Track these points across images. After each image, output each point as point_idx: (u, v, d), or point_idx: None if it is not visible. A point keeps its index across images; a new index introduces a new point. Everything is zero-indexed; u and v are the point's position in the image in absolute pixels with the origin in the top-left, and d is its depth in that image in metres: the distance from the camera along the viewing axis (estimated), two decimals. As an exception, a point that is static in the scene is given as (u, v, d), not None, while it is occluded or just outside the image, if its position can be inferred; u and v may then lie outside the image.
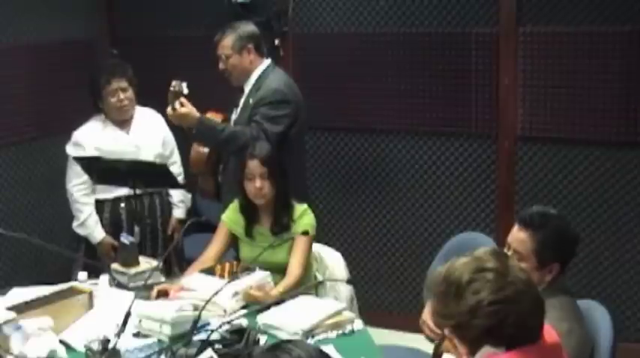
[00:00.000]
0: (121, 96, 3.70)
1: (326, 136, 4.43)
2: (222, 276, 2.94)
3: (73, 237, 3.87)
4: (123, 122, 3.79)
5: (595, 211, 3.86)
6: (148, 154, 3.76)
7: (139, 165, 3.57)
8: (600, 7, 3.68)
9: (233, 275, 2.87)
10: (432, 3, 4.04)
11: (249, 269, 2.97)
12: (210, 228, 3.41)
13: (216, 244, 3.24)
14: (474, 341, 1.81)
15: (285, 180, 3.16)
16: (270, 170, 3.10)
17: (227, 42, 3.61)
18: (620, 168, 3.78)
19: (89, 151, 3.69)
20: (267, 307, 2.76)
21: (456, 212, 4.18)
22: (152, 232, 3.83)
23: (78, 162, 3.67)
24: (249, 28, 3.67)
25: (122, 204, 3.77)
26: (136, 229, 3.65)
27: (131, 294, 2.68)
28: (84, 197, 3.76)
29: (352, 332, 2.71)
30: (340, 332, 2.69)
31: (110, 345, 2.35)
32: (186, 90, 3.41)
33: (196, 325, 2.44)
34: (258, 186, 3.10)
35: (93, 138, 3.74)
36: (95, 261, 3.60)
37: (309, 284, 3.14)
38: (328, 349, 2.41)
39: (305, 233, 3.10)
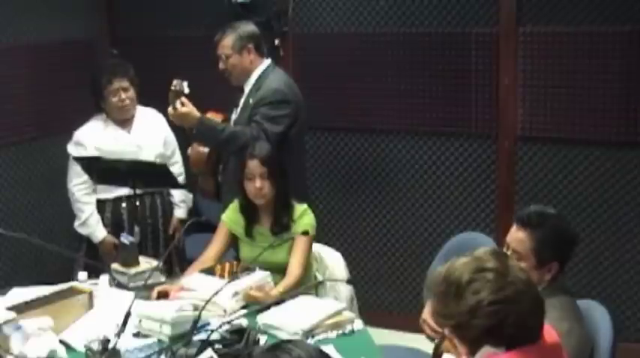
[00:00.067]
0: (123, 95, 3.71)
1: (326, 136, 4.43)
2: (222, 276, 2.94)
3: (75, 236, 3.87)
4: (124, 122, 3.79)
5: (595, 211, 3.86)
6: (149, 154, 3.76)
7: (139, 165, 3.58)
8: (600, 7, 3.68)
9: (233, 275, 2.87)
10: (432, 3, 4.04)
11: (249, 269, 2.97)
12: (211, 228, 3.41)
13: (216, 244, 3.24)
14: (474, 341, 1.81)
15: (285, 180, 3.16)
16: (270, 170, 3.10)
17: (227, 42, 3.61)
18: (620, 168, 3.78)
19: (90, 151, 3.70)
20: (267, 307, 2.76)
21: (456, 212, 4.18)
22: (153, 232, 3.84)
23: (78, 162, 3.68)
24: (249, 28, 3.67)
25: (123, 204, 3.77)
26: (136, 229, 3.65)
27: (131, 294, 2.68)
28: (85, 196, 3.77)
29: (352, 332, 2.71)
30: (340, 332, 2.69)
31: (110, 345, 2.35)
32: (187, 90, 3.41)
33: (196, 325, 2.44)
34: (258, 186, 3.10)
35: (94, 137, 3.74)
36: (96, 260, 3.59)
37: (309, 284, 3.14)
38: (328, 349, 2.41)
39: (305, 233, 3.10)
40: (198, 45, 4.14)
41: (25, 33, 4.29)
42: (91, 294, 2.82)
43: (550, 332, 1.91)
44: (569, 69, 3.78)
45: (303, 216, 3.18)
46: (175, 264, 3.84)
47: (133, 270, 3.07)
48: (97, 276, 3.01)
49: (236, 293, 2.81)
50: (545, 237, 2.41)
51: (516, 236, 2.46)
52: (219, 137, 3.50)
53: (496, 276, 1.80)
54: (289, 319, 2.68)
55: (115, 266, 3.14)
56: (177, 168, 3.96)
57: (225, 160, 3.73)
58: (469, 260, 1.85)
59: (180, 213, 3.95)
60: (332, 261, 3.35)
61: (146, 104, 3.87)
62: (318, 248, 3.36)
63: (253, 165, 3.10)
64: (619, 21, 3.65)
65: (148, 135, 3.82)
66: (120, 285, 3.05)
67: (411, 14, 4.10)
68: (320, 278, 3.29)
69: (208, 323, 2.63)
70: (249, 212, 3.21)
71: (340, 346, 2.56)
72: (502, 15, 3.89)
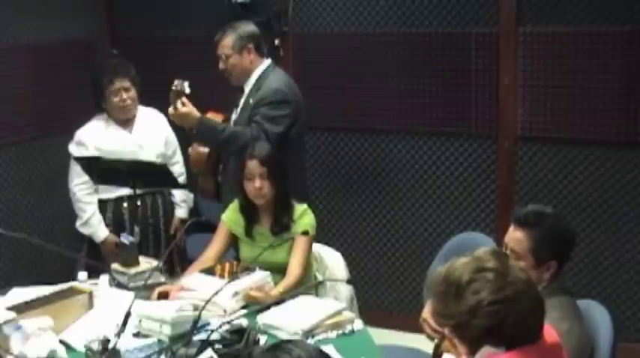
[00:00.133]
0: (124, 95, 3.71)
1: (326, 136, 4.43)
2: (222, 276, 2.94)
3: (76, 236, 3.87)
4: (126, 121, 3.79)
5: (595, 211, 3.87)
6: (150, 154, 3.76)
7: (139, 165, 3.58)
8: (600, 7, 3.68)
9: (233, 275, 2.87)
10: (432, 3, 4.04)
11: (249, 269, 2.97)
12: (211, 228, 3.41)
13: (216, 244, 3.24)
14: (474, 341, 1.81)
15: (285, 180, 3.16)
16: (270, 170, 3.10)
17: (227, 42, 3.61)
18: (620, 168, 3.78)
19: (91, 151, 3.70)
20: (267, 307, 2.75)
21: (456, 212, 4.18)
22: (155, 232, 3.84)
23: (78, 162, 3.68)
24: (249, 28, 3.67)
25: (125, 204, 3.77)
26: (136, 229, 3.66)
27: (131, 294, 2.68)
28: (87, 196, 3.77)
29: (352, 332, 2.71)
30: (340, 332, 2.69)
31: (110, 345, 2.35)
32: (188, 90, 3.41)
33: (196, 325, 2.44)
34: (257, 186, 3.10)
35: (96, 137, 3.75)
36: (98, 260, 3.59)
37: (309, 284, 3.14)
38: (328, 349, 2.41)
39: (305, 233, 3.10)
40: (198, 45, 4.14)
41: (25, 33, 4.29)
42: (91, 294, 2.82)
43: (550, 332, 1.91)
44: (569, 69, 3.78)
45: (303, 216, 3.18)
46: (177, 264, 3.84)
47: (133, 270, 3.07)
48: (97, 276, 3.01)
49: (236, 293, 2.81)
50: (543, 236, 2.41)
51: (514, 236, 2.46)
52: (220, 137, 3.50)
53: (496, 276, 1.80)
54: (289, 319, 2.68)
55: (115, 266, 3.14)
56: (178, 168, 3.96)
57: (225, 160, 3.73)
58: (469, 260, 1.85)
59: (181, 212, 3.95)
60: (332, 261, 3.35)
61: (146, 104, 3.87)
62: (318, 248, 3.36)
63: (253, 165, 3.10)
64: (619, 21, 3.65)
65: (149, 135, 3.83)
66: (120, 285, 3.05)
67: (411, 14, 4.10)
68: (320, 278, 3.29)
69: (208, 323, 2.63)
70: (249, 212, 3.21)
71: (340, 346, 2.56)
72: (502, 15, 3.89)
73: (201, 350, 2.36)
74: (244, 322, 2.63)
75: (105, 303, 2.80)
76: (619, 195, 3.81)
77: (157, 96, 3.63)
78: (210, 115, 3.67)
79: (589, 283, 3.91)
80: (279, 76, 3.67)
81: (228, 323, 2.55)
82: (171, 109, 3.46)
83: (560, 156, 3.90)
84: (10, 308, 2.61)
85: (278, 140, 3.46)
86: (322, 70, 4.31)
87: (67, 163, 3.83)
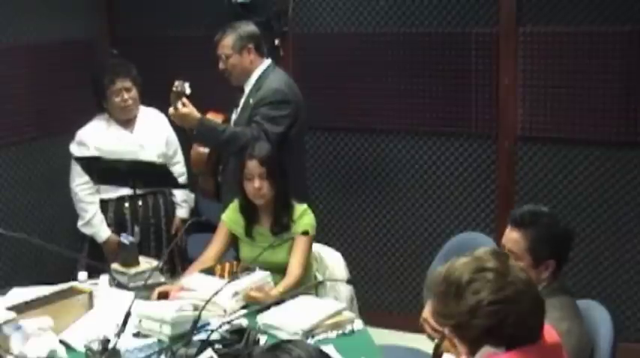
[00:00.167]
0: (125, 96, 3.71)
1: (326, 136, 4.43)
2: (222, 276, 2.94)
3: (76, 236, 3.87)
4: (127, 121, 3.80)
5: (595, 211, 3.87)
6: (151, 154, 3.77)
7: (139, 165, 3.58)
8: (600, 7, 3.68)
9: (233, 275, 2.87)
10: (432, 3, 4.04)
11: (249, 269, 2.97)
12: (211, 228, 3.41)
13: (216, 244, 3.24)
14: (474, 341, 1.81)
15: (285, 180, 3.16)
16: (269, 170, 3.10)
17: (227, 41, 3.61)
18: (620, 168, 3.78)
19: (93, 151, 3.70)
20: (267, 307, 2.76)
21: (456, 212, 4.18)
22: (156, 232, 3.84)
23: (78, 162, 3.68)
24: (249, 28, 3.67)
25: (126, 204, 3.78)
26: (136, 229, 3.66)
27: (131, 294, 2.68)
28: (88, 196, 3.77)
29: (352, 332, 2.71)
30: (340, 332, 2.69)
31: (110, 345, 2.35)
32: (188, 91, 3.41)
33: (196, 325, 2.44)
34: (256, 186, 3.10)
35: (97, 137, 3.75)
36: (100, 260, 3.58)
37: (309, 284, 3.14)
38: (328, 349, 2.41)
39: (305, 233, 3.10)
40: (198, 45, 4.14)
41: (25, 33, 4.29)
42: (91, 294, 2.82)
43: (550, 332, 1.91)
44: (569, 69, 3.78)
45: (303, 216, 3.18)
46: (178, 264, 3.85)
47: (133, 270, 3.07)
48: (97, 276, 3.01)
49: (236, 293, 2.81)
50: (539, 235, 2.41)
51: (510, 236, 2.46)
52: (220, 138, 3.50)
53: (496, 276, 1.80)
54: (289, 319, 2.68)
55: (115, 266, 3.14)
56: (179, 168, 3.97)
57: (225, 160, 3.73)
58: (469, 260, 1.85)
59: (182, 212, 3.96)
60: (332, 261, 3.35)
61: (147, 104, 3.87)
62: (318, 248, 3.36)
63: (252, 166, 3.10)
64: (619, 21, 3.65)
65: (150, 135, 3.83)
66: (120, 285, 3.05)
67: (411, 14, 4.10)
68: (320, 278, 3.29)
69: (208, 323, 2.63)
70: (249, 212, 3.21)
71: (340, 346, 2.56)
72: (502, 15, 3.89)
73: (201, 350, 2.36)
74: (244, 322, 2.63)
75: (105, 303, 2.80)
76: (619, 195, 3.81)
77: (157, 97, 3.63)
78: (211, 116, 3.67)
79: (589, 283, 3.91)
80: (280, 76, 3.67)
81: (228, 323, 2.55)
82: (171, 110, 3.46)
83: (560, 156, 3.90)
84: (10, 308, 2.61)
85: (278, 140, 3.46)
86: (322, 70, 4.31)
87: (68, 163, 3.83)
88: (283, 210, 3.16)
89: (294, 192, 3.25)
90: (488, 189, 4.10)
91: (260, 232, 3.21)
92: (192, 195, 4.05)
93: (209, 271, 3.01)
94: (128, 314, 2.39)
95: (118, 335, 2.35)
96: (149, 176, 3.59)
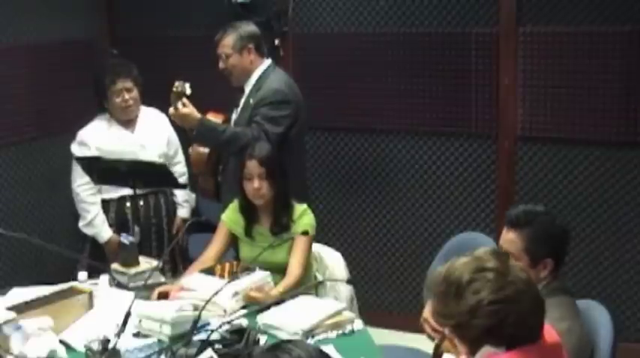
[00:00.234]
0: (126, 96, 3.71)
1: (326, 136, 4.43)
2: (222, 276, 2.94)
3: (76, 236, 3.88)
4: (128, 122, 3.80)
5: (595, 211, 3.86)
6: (152, 154, 3.77)
7: (139, 165, 3.58)
8: (600, 7, 3.68)
9: (233, 275, 2.87)
10: (432, 3, 4.04)
11: (249, 269, 2.97)
12: (211, 228, 3.41)
13: (216, 244, 3.24)
14: (474, 340, 1.81)
15: (285, 180, 3.16)
16: (269, 170, 3.10)
17: (228, 41, 3.61)
18: (620, 168, 3.78)
19: (94, 151, 3.71)
20: (267, 307, 2.76)
21: (456, 212, 4.18)
22: (158, 232, 3.85)
23: (78, 162, 3.68)
24: (250, 28, 3.67)
25: (128, 204, 3.78)
26: (136, 229, 3.66)
27: (131, 294, 2.68)
28: (90, 197, 3.77)
29: (352, 332, 2.70)
30: (340, 332, 2.69)
31: (110, 345, 2.35)
32: (189, 91, 3.41)
33: (196, 325, 2.44)
34: (256, 186, 3.10)
35: (98, 137, 3.75)
36: (101, 260, 3.58)
37: (309, 284, 3.14)
38: (328, 349, 2.41)
39: (305, 233, 3.10)
40: (198, 45, 4.14)
41: (25, 33, 4.29)
42: (91, 294, 2.82)
43: (550, 332, 1.91)
44: (569, 69, 3.78)
45: (303, 216, 3.18)
46: (179, 264, 3.85)
47: (133, 270, 3.08)
48: (97, 276, 3.01)
49: (236, 293, 2.81)
50: (535, 235, 2.42)
51: (507, 237, 2.47)
52: (220, 138, 3.50)
53: (496, 276, 1.80)
54: (289, 319, 2.67)
55: (115, 266, 3.14)
56: (180, 168, 3.98)
57: (225, 160, 3.73)
58: (469, 260, 1.85)
59: (183, 212, 3.96)
60: (332, 261, 3.35)
61: (147, 104, 3.87)
62: (318, 248, 3.36)
63: (252, 166, 3.10)
64: (619, 21, 3.65)
65: (151, 135, 3.83)
66: (120, 285, 3.05)
67: (411, 14, 4.10)
68: (320, 278, 3.29)
69: (208, 323, 2.63)
70: (249, 212, 3.21)
71: (340, 346, 2.56)
72: (502, 15, 3.89)
73: (201, 350, 2.36)
74: (244, 322, 2.63)
75: (105, 303, 2.79)
76: (619, 195, 3.81)
77: (157, 97, 3.64)
78: (211, 116, 3.67)
79: (589, 283, 3.91)
80: (280, 76, 3.67)
81: (228, 323, 2.55)
82: (171, 110, 3.46)
83: (560, 156, 3.90)
84: (10, 308, 2.61)
85: (278, 140, 3.46)
86: (322, 70, 4.31)
87: (68, 163, 3.83)
88: (283, 210, 3.16)
89: (294, 192, 3.25)
90: (488, 189, 4.10)
91: (260, 232, 3.21)
92: (194, 195, 4.06)
93: (209, 271, 3.01)
94: (128, 314, 2.39)
95: (118, 335, 2.35)
96: (149, 176, 3.59)
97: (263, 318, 2.70)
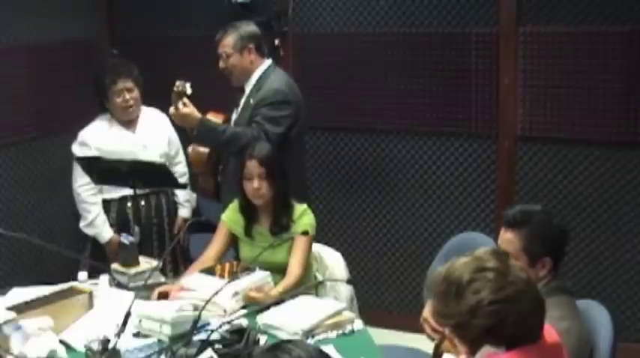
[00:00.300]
0: (127, 96, 3.71)
1: (326, 136, 4.43)
2: (222, 276, 2.94)
3: (76, 236, 3.87)
4: (129, 122, 3.81)
5: (595, 211, 3.86)
6: (154, 153, 3.78)
7: (139, 165, 3.58)
8: (600, 7, 3.68)
9: (233, 275, 2.87)
10: (432, 3, 4.04)
11: (249, 269, 2.97)
12: (211, 228, 3.41)
13: (216, 244, 3.24)
14: (474, 340, 1.82)
15: (285, 180, 3.16)
16: (269, 170, 3.10)
17: (228, 41, 3.61)
18: (620, 168, 3.78)
19: (95, 151, 3.71)
20: (267, 307, 2.76)
21: (456, 212, 4.18)
22: (159, 232, 3.85)
23: (78, 162, 3.68)
24: (250, 28, 3.67)
25: (129, 204, 3.78)
26: (136, 229, 3.66)
27: (131, 294, 2.68)
28: (91, 197, 3.77)
29: (352, 332, 2.70)
30: (340, 332, 2.69)
31: (110, 345, 2.35)
32: (189, 91, 3.41)
33: (196, 325, 2.44)
34: (256, 186, 3.10)
35: (99, 137, 3.75)
36: (102, 260, 3.58)
37: (309, 284, 3.14)
38: (328, 349, 2.41)
39: (305, 233, 3.09)
40: (198, 45, 4.14)
41: (25, 33, 4.29)
42: (91, 294, 2.82)
43: (550, 332, 1.91)
44: (569, 69, 3.78)
45: (303, 216, 3.18)
46: (181, 264, 3.85)
47: (133, 270, 3.08)
48: (97, 276, 3.01)
49: (236, 293, 2.81)
50: (532, 234, 2.42)
51: (505, 237, 2.47)
52: (221, 138, 3.50)
53: (496, 276, 1.80)
54: (289, 319, 2.67)
55: (115, 266, 3.14)
56: (181, 168, 3.98)
57: (225, 160, 3.73)
58: (469, 260, 1.85)
59: (184, 212, 3.96)
60: (332, 261, 3.35)
61: (147, 104, 3.87)
62: (318, 248, 3.36)
63: (252, 166, 3.10)
64: (619, 21, 3.65)
65: (152, 135, 3.83)
66: (120, 285, 3.05)
67: (411, 14, 4.10)
68: (320, 278, 3.29)
69: (208, 323, 2.63)
70: (249, 212, 3.21)
71: (340, 346, 2.56)
72: (502, 15, 3.89)
73: (201, 350, 2.36)
74: (244, 322, 2.63)
75: (105, 303, 2.80)
76: (619, 195, 3.81)
77: (157, 97, 3.64)
78: (211, 116, 3.67)
79: (589, 283, 3.91)
80: (280, 77, 3.67)
81: (228, 323, 2.55)
82: (172, 110, 3.46)
83: (560, 156, 3.90)
84: (10, 308, 2.61)
85: (278, 140, 3.46)
86: (322, 70, 4.31)
87: (68, 163, 3.83)
88: (283, 210, 3.16)
89: (294, 192, 3.25)
90: (488, 189, 4.10)
91: (260, 232, 3.21)
92: (195, 195, 4.06)
93: (209, 271, 3.01)
94: (128, 314, 2.39)
95: (118, 335, 2.35)
96: (149, 176, 3.59)
97: (263, 318, 2.70)
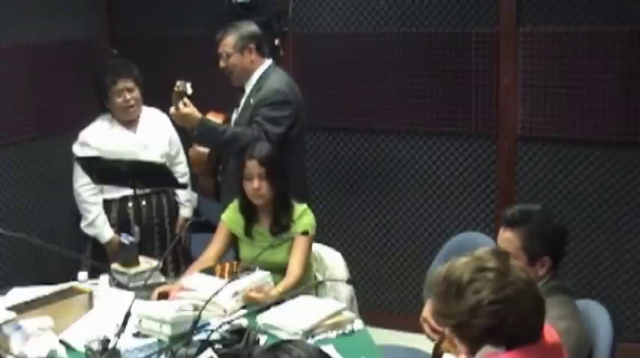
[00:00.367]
0: (127, 96, 3.71)
1: (326, 136, 4.43)
2: (222, 276, 2.94)
3: (76, 236, 3.87)
4: (130, 122, 3.81)
5: (595, 211, 3.87)
6: (155, 154, 3.78)
7: (139, 165, 3.58)
8: (600, 7, 3.68)
9: (233, 275, 2.87)
10: (432, 3, 4.04)
11: (249, 269, 2.97)
12: (211, 228, 3.41)
13: (216, 244, 3.24)
14: (474, 340, 1.81)
15: (285, 180, 3.16)
16: (269, 170, 3.10)
17: (229, 40, 3.61)
18: (620, 168, 3.78)
19: (95, 151, 3.70)
20: (267, 307, 2.76)
21: (456, 212, 4.18)
22: (160, 232, 3.85)
23: (78, 162, 3.68)
24: (251, 28, 3.67)
25: (130, 204, 3.78)
26: (136, 229, 3.66)
27: (131, 294, 2.68)
28: (92, 197, 3.77)
29: (352, 332, 2.70)
30: (340, 332, 2.69)
31: (110, 345, 2.35)
32: (190, 91, 3.41)
33: (196, 325, 2.44)
34: (255, 186, 3.10)
35: (100, 137, 3.75)
36: (103, 260, 3.58)
37: (309, 284, 3.14)
38: (328, 349, 2.41)
39: (305, 233, 3.09)
40: (198, 45, 4.15)
41: (25, 33, 4.29)
42: (91, 294, 2.82)
43: (550, 332, 1.91)
44: (569, 69, 3.78)
45: (303, 216, 3.18)
46: (182, 263, 3.85)
47: (133, 270, 3.08)
48: (97, 276, 3.01)
49: (236, 293, 2.81)
50: (531, 233, 2.42)
51: (504, 237, 2.47)
52: (221, 138, 3.50)
53: (497, 276, 1.80)
54: (289, 319, 2.68)
55: (115, 266, 3.14)
56: (182, 168, 3.98)
57: (225, 160, 3.73)
58: (469, 259, 1.85)
59: (185, 212, 3.96)
60: (332, 261, 3.35)
61: (147, 104, 3.87)
62: (318, 248, 3.36)
63: (252, 166, 3.10)
64: (619, 21, 3.65)
65: (153, 135, 3.84)
66: (120, 285, 3.05)
67: (411, 14, 4.10)
68: (320, 278, 3.29)
69: (208, 323, 2.63)
70: (249, 212, 3.21)
71: (340, 346, 2.56)
72: (502, 15, 3.89)
73: (201, 350, 2.36)
74: (244, 322, 2.63)
75: (105, 303, 2.80)
76: (619, 195, 3.81)
77: (158, 97, 3.64)
78: (211, 116, 3.67)
79: (589, 283, 3.91)
80: (280, 77, 3.67)
81: (228, 323, 2.55)
82: (172, 109, 3.46)
83: (560, 156, 3.90)
84: (10, 308, 2.61)
85: (279, 140, 3.46)
86: (322, 70, 4.31)
87: (68, 163, 3.83)
88: (283, 210, 3.16)
89: (294, 192, 3.25)
90: (488, 189, 4.10)
91: (259, 232, 3.21)
92: (196, 195, 4.06)
93: (209, 271, 3.01)
94: (128, 314, 2.39)
95: (118, 335, 2.35)
96: (149, 176, 3.59)
97: (263, 318, 2.70)
